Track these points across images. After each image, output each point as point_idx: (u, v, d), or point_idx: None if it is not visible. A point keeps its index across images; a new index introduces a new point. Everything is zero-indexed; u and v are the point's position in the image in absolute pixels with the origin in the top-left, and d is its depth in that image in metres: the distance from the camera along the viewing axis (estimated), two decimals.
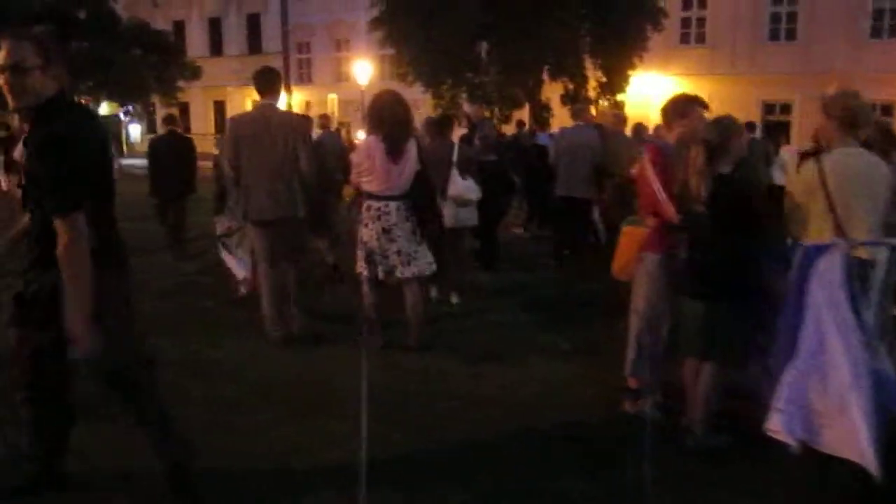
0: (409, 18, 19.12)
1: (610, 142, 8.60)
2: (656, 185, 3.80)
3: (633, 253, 4.03)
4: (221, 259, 7.07)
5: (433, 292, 7.05)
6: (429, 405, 4.48)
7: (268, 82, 5.51)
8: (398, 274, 5.35)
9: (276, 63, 31.41)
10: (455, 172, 6.82)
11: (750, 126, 12.19)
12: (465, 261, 7.58)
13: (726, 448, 3.79)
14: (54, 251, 2.78)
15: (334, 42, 34.06)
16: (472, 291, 7.27)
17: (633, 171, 5.49)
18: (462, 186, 6.86)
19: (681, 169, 3.78)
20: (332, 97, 25.38)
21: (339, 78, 32.88)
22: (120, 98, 27.18)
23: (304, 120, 6.23)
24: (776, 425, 3.28)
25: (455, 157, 6.86)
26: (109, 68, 23.33)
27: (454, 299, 7.03)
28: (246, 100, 34.45)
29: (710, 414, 3.80)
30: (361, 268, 5.47)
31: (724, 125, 3.73)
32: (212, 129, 33.41)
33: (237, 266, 7.04)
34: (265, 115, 5.44)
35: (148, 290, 7.39)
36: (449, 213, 6.78)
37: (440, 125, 7.44)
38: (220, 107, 36.34)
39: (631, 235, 4.10)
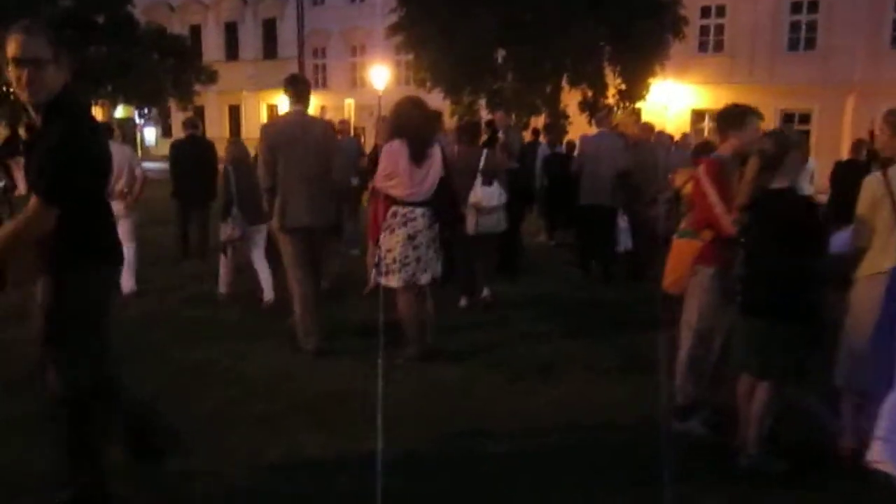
0: (428, 24, 19.08)
1: (636, 151, 8.51)
2: (713, 198, 3.69)
3: (687, 267, 3.91)
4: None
5: (463, 302, 6.97)
6: (465, 420, 4.37)
7: (301, 90, 5.51)
8: (416, 281, 5.31)
9: (291, 67, 31.52)
10: (479, 180, 6.74)
11: None
12: (491, 265, 7.50)
13: (781, 471, 3.65)
14: (63, 253, 2.89)
15: (349, 48, 34.14)
16: (498, 301, 7.18)
17: (678, 182, 5.41)
18: (482, 194, 6.77)
19: (736, 181, 3.68)
20: (349, 102, 25.35)
21: (354, 83, 32.95)
22: (137, 102, 27.22)
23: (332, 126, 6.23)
24: (880, 456, 3.13)
25: (482, 165, 6.77)
26: (127, 73, 23.37)
27: (485, 293, 7.09)
28: (261, 104, 34.69)
29: (764, 434, 3.67)
30: (379, 276, 5.39)
31: (781, 137, 3.61)
32: (227, 134, 33.45)
33: (225, 276, 7.19)
34: (300, 122, 5.42)
35: (175, 298, 7.34)
36: (470, 221, 6.73)
37: (470, 132, 7.35)
38: (235, 111, 36.47)
39: (683, 248, 3.98)
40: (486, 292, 7.13)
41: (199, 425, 4.15)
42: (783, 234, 3.45)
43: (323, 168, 5.38)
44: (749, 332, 3.61)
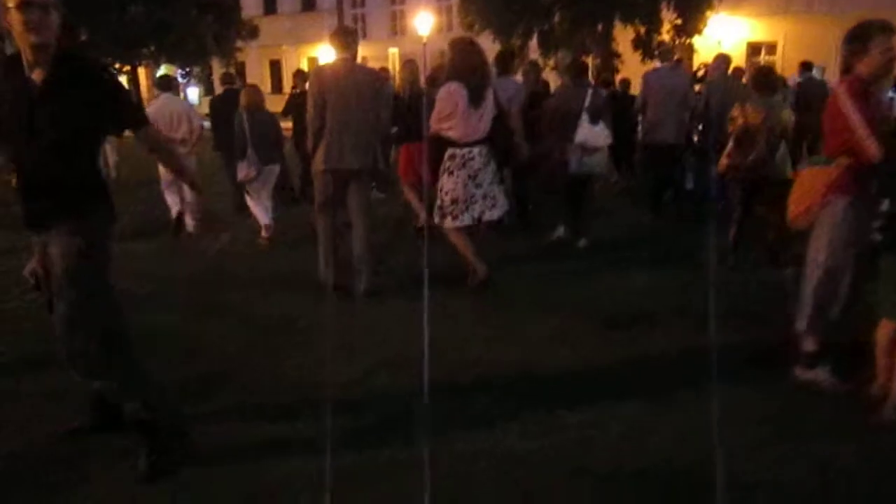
0: None
1: (713, 87, 8.06)
2: (856, 119, 3.30)
3: (817, 197, 3.53)
4: (246, 204, 7.70)
5: (561, 230, 7.11)
6: (568, 372, 4.13)
7: (347, 40, 5.61)
8: (485, 218, 5.49)
9: (330, 20, 30.98)
10: (585, 118, 6.62)
11: (806, 66, 11.38)
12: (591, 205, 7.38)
13: None
14: (89, 195, 2.96)
15: None
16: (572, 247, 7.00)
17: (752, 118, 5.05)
18: (589, 133, 6.64)
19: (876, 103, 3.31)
20: (394, 51, 24.92)
21: (394, 32, 32.35)
22: (180, 61, 27.03)
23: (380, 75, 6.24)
24: None
25: (587, 103, 6.64)
26: (168, 32, 23.18)
27: (581, 243, 7.02)
28: (301, 58, 34.31)
29: None
30: (441, 219, 5.47)
31: None
32: (268, 89, 33.18)
33: (261, 212, 7.54)
34: (348, 69, 5.52)
35: (242, 251, 7.30)
36: (574, 159, 6.67)
37: (575, 70, 7.25)
38: (275, 65, 36.16)
39: (813, 177, 3.59)
40: (582, 242, 7.03)
41: (289, 386, 4.00)
42: None
43: (368, 115, 5.48)
44: (893, 272, 3.26)
